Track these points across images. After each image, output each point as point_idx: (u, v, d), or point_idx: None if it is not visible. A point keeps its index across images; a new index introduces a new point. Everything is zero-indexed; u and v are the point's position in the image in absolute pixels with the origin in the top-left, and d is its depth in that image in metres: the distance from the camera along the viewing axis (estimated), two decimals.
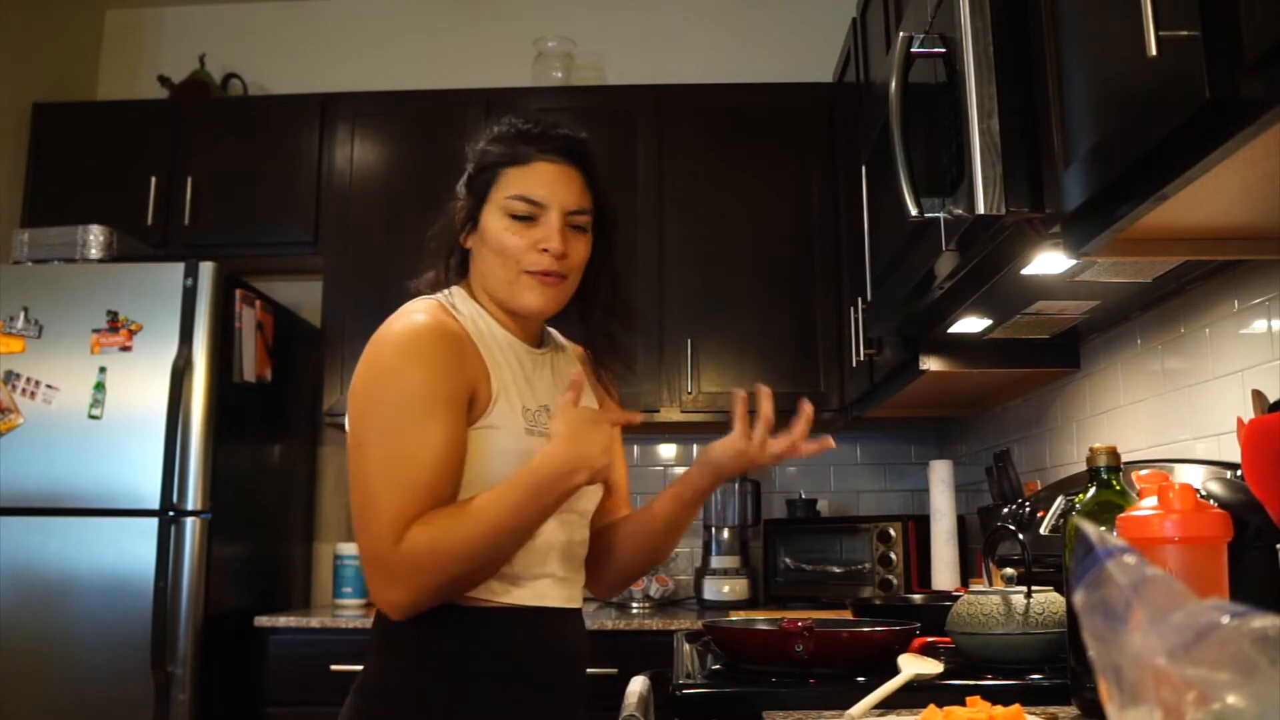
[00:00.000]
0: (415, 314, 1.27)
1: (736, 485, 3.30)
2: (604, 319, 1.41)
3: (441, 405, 1.21)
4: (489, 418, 1.25)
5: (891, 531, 3.03)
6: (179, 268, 2.74)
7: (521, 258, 1.29)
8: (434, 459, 1.19)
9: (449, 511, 1.18)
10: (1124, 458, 1.18)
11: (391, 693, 1.24)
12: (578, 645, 1.34)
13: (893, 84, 1.61)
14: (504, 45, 3.66)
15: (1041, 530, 1.94)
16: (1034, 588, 1.38)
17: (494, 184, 1.31)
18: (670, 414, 3.15)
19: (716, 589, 3.13)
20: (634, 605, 3.10)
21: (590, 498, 1.36)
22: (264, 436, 3.11)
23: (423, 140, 3.28)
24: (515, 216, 1.29)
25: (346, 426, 1.28)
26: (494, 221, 1.30)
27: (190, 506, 2.63)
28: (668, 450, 3.54)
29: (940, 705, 1.01)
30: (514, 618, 1.25)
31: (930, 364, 2.21)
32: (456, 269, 1.37)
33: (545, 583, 1.29)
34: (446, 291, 1.35)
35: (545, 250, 1.28)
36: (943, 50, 1.47)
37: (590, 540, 1.40)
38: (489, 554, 1.18)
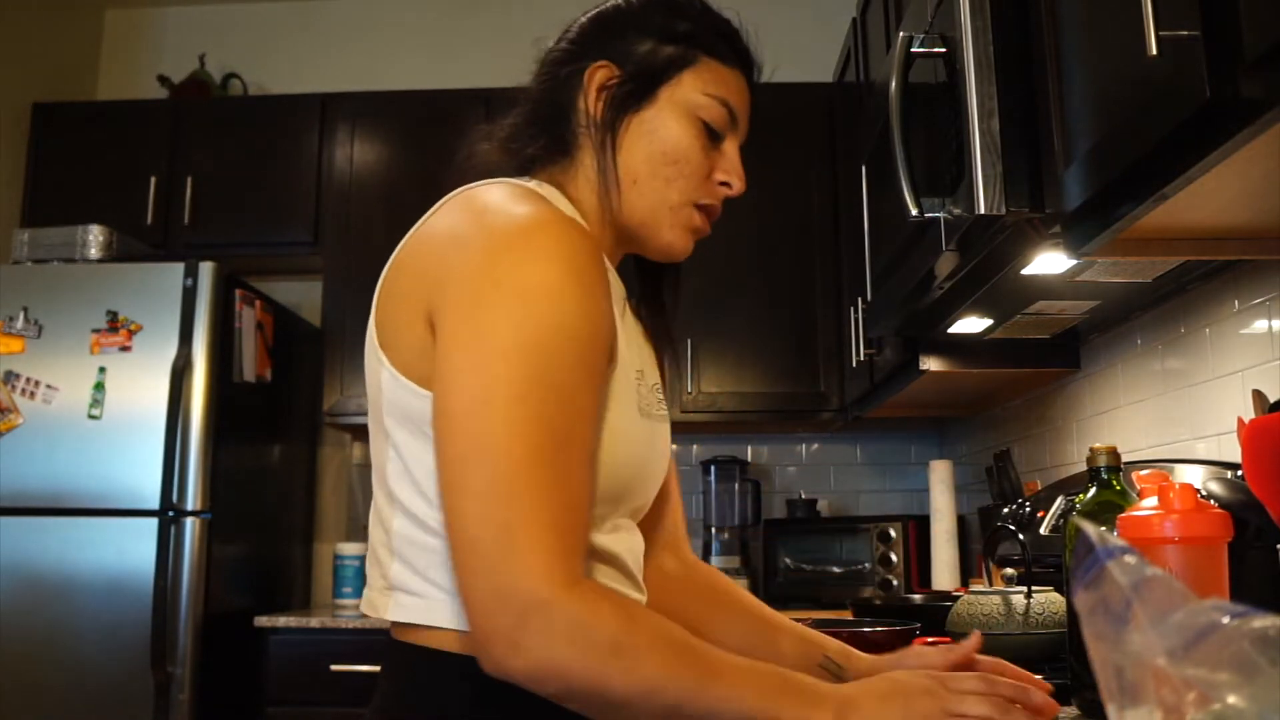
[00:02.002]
0: (532, 201, 0.87)
1: (737, 485, 3.30)
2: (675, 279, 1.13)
3: (597, 355, 0.84)
4: (612, 384, 0.89)
5: (891, 531, 3.03)
6: (179, 268, 2.74)
7: (700, 183, 0.98)
8: (597, 440, 0.84)
9: (674, 629, 0.80)
10: (1124, 458, 1.18)
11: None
12: None
13: (893, 84, 1.61)
14: (504, 45, 3.65)
15: (1041, 530, 1.94)
16: (1034, 588, 1.38)
17: (689, 66, 0.97)
18: (670, 414, 3.14)
19: None
20: None
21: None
22: (264, 436, 3.11)
23: (423, 140, 3.28)
24: (708, 127, 0.98)
25: (387, 365, 0.88)
26: (677, 119, 0.96)
27: (190, 506, 2.63)
28: None
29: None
30: None
31: (930, 364, 2.21)
32: (541, 153, 1.00)
33: None
34: (528, 181, 0.96)
35: (725, 185, 1.00)
36: (943, 50, 1.47)
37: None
38: (664, 713, 0.77)
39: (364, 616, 2.77)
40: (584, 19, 1.05)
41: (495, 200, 0.88)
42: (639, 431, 0.93)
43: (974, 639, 1.04)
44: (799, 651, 1.09)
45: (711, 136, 0.98)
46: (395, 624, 0.90)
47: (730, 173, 0.99)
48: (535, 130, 1.00)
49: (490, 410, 0.77)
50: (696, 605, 1.11)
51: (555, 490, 0.77)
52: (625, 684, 0.75)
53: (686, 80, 0.97)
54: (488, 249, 0.83)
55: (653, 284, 1.10)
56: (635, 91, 0.96)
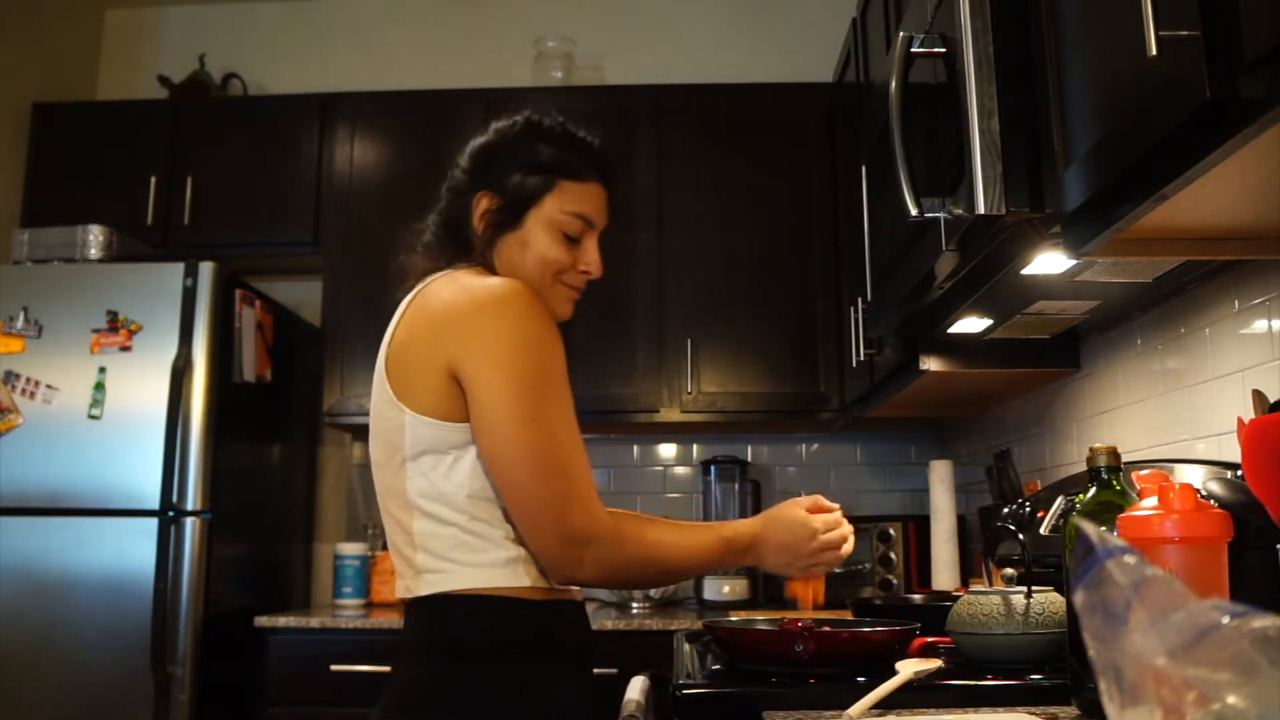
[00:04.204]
0: (509, 280, 1.24)
1: (737, 485, 3.31)
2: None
3: (568, 379, 1.24)
4: None
5: (891, 531, 3.03)
6: (179, 268, 2.74)
7: (564, 273, 1.31)
8: (580, 437, 1.23)
9: (653, 519, 1.28)
10: (1124, 458, 1.18)
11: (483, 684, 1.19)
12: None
13: (893, 84, 1.61)
14: (504, 45, 3.66)
15: (1041, 530, 1.94)
16: (1034, 588, 1.38)
17: (549, 192, 1.29)
18: (670, 414, 3.15)
19: (717, 589, 3.13)
20: (634, 605, 3.09)
21: None
22: (264, 436, 3.11)
23: (423, 140, 3.28)
24: (567, 234, 1.30)
25: (412, 415, 1.20)
26: (542, 233, 1.29)
27: (190, 506, 2.63)
28: (668, 450, 3.54)
29: (939, 706, 1.01)
30: (577, 608, 1.30)
31: (930, 364, 2.21)
32: (456, 255, 1.33)
33: None
34: (478, 269, 1.31)
35: (585, 273, 1.32)
36: (943, 50, 1.47)
37: None
38: (671, 570, 1.25)
39: (364, 616, 2.78)
40: (473, 147, 1.35)
41: (475, 281, 1.23)
42: None
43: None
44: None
45: (571, 240, 1.30)
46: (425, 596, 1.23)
47: (589, 264, 1.32)
48: (448, 243, 1.33)
49: (534, 424, 1.16)
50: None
51: (577, 464, 1.18)
52: (648, 568, 1.23)
53: (548, 203, 1.29)
54: (495, 315, 1.19)
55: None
56: (509, 218, 1.29)
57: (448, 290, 1.23)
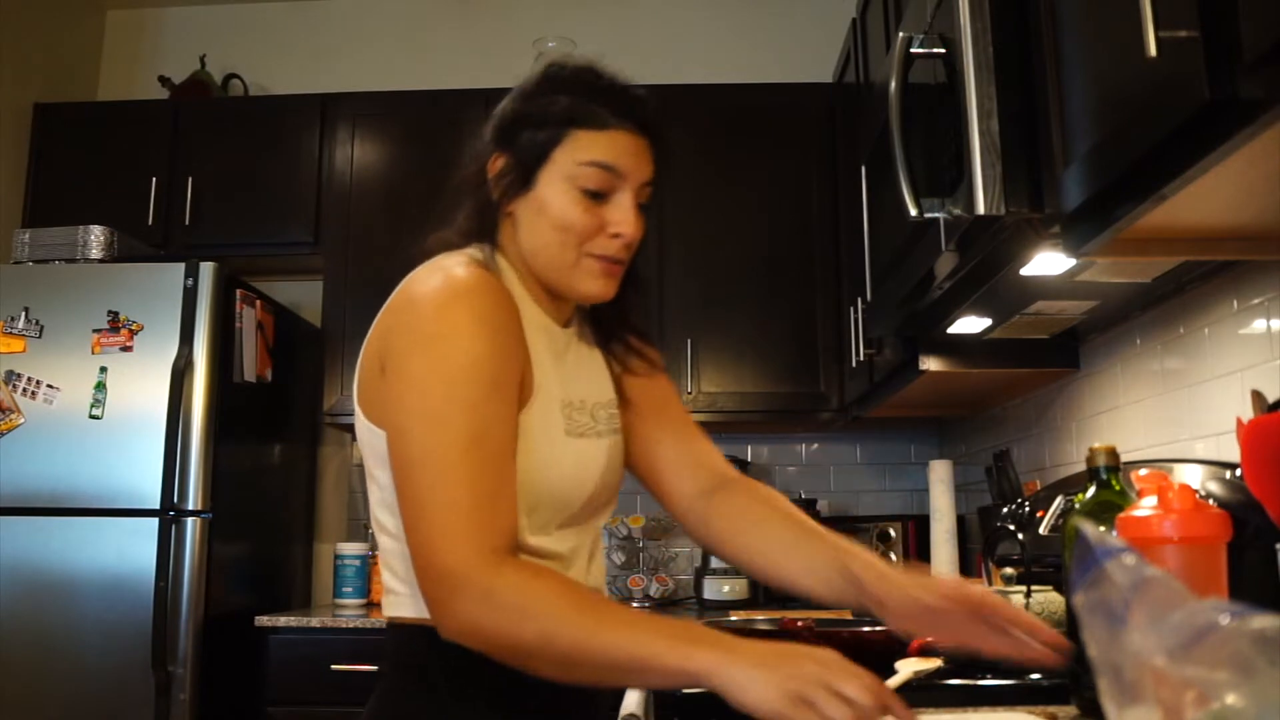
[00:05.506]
0: (454, 268, 1.05)
1: None
2: (633, 296, 1.22)
3: (506, 379, 1.02)
4: (529, 414, 1.06)
5: (891, 531, 3.03)
6: (179, 268, 2.74)
7: (589, 239, 1.09)
8: (511, 443, 1.00)
9: (577, 588, 0.96)
10: (1123, 458, 1.18)
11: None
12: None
13: (892, 84, 1.61)
14: (504, 45, 3.66)
15: (1041, 530, 1.94)
16: (1034, 588, 1.38)
17: (559, 144, 1.09)
18: None
19: (717, 589, 3.13)
20: (634, 605, 3.10)
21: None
22: (264, 436, 3.11)
23: (423, 140, 3.28)
24: (587, 190, 1.09)
25: (360, 417, 1.10)
26: (558, 191, 1.08)
27: (190, 506, 2.64)
28: None
29: (939, 706, 1.01)
30: None
31: (930, 364, 2.21)
32: (478, 231, 1.15)
33: None
34: (476, 249, 1.13)
35: (618, 236, 1.10)
36: (942, 50, 1.47)
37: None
38: (585, 664, 0.91)
39: (365, 616, 2.78)
40: (495, 111, 1.16)
41: (424, 271, 1.07)
42: (565, 452, 1.09)
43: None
44: (828, 556, 1.13)
45: (595, 197, 1.09)
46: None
47: (620, 223, 1.09)
48: (470, 214, 1.15)
49: (412, 434, 0.98)
50: (739, 515, 1.21)
51: (468, 484, 0.96)
52: (529, 636, 0.91)
53: (559, 157, 1.09)
54: (415, 308, 1.03)
55: (616, 307, 1.21)
56: (519, 178, 1.10)
57: (405, 281, 1.09)
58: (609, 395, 1.22)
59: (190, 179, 3.27)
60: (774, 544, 1.18)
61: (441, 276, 1.04)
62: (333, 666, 2.65)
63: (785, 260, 3.22)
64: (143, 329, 2.70)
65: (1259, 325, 1.54)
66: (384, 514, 1.08)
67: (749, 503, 1.22)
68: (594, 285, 1.11)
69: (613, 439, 1.19)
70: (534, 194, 1.10)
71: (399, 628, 1.08)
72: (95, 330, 2.70)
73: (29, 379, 2.69)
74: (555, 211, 1.09)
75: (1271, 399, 1.18)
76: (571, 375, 1.16)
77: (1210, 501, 1.16)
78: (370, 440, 1.09)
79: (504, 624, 0.91)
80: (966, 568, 2.89)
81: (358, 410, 1.11)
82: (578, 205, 1.08)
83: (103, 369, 2.68)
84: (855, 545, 1.14)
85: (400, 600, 1.07)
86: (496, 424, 0.99)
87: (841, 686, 0.82)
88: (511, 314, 1.05)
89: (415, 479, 0.97)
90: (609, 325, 1.24)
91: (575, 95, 1.10)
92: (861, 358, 2.61)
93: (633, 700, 1.50)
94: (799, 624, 1.35)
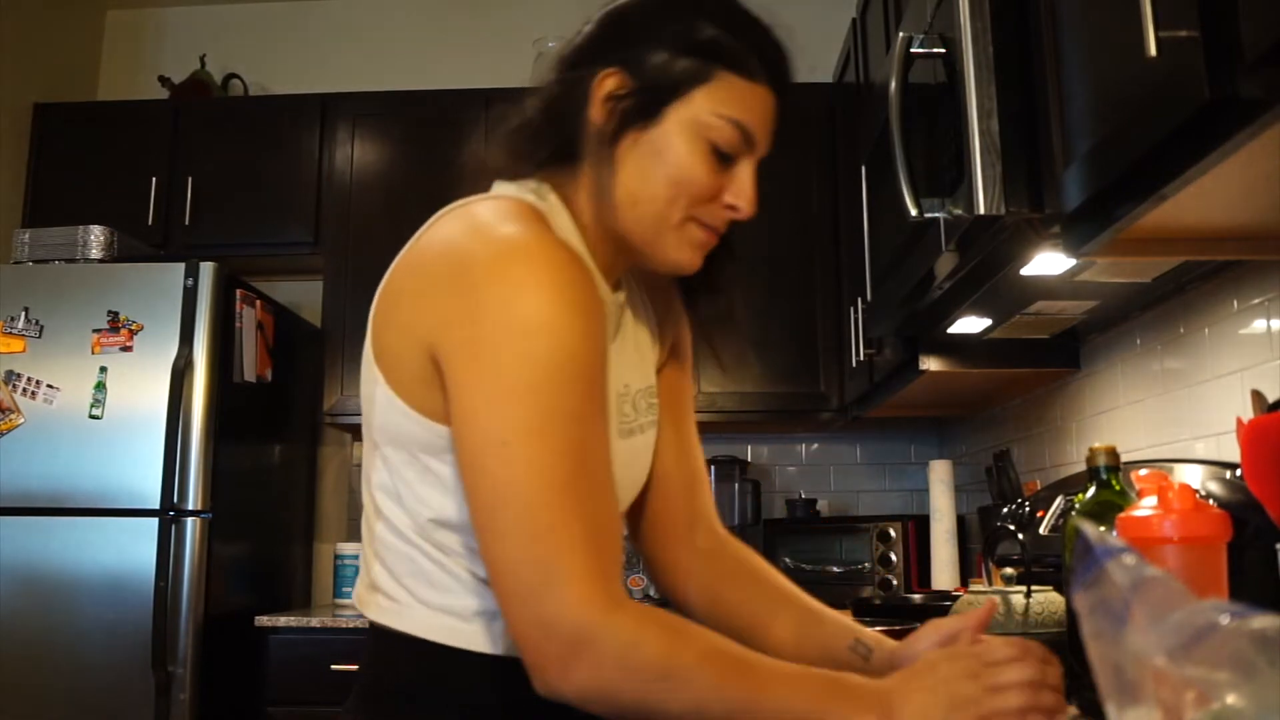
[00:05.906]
0: (517, 226, 0.85)
1: (736, 485, 3.30)
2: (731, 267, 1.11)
3: (600, 376, 0.84)
4: None
5: (891, 531, 3.03)
6: (179, 268, 2.74)
7: (703, 205, 0.94)
8: (609, 456, 0.85)
9: (715, 643, 0.82)
10: (1123, 458, 1.18)
11: None
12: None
13: (893, 84, 1.61)
14: (504, 45, 3.66)
15: (1041, 530, 1.94)
16: (1034, 588, 1.38)
17: (703, 83, 0.91)
18: None
19: None
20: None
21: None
22: (264, 436, 3.11)
23: (423, 140, 3.28)
24: (716, 147, 0.92)
25: (393, 399, 0.89)
26: (684, 139, 0.91)
27: (190, 506, 2.64)
28: None
29: None
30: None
31: (930, 364, 2.21)
32: (549, 160, 0.95)
33: None
34: (533, 186, 0.95)
35: (733, 209, 0.96)
36: (943, 50, 1.47)
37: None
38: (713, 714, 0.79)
39: (364, 616, 2.77)
40: (603, 13, 0.96)
41: (484, 222, 0.87)
42: (617, 457, 0.91)
43: (988, 606, 1.03)
44: (827, 633, 1.06)
45: (722, 159, 0.93)
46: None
47: (739, 196, 0.94)
48: (542, 133, 0.95)
49: (508, 451, 0.79)
50: (728, 583, 1.10)
51: (582, 518, 0.79)
52: (675, 703, 0.78)
53: (698, 99, 0.91)
54: (484, 283, 0.82)
55: (703, 275, 1.05)
56: (642, 107, 0.91)
57: (451, 229, 0.89)
58: (650, 380, 1.07)
59: (190, 179, 3.27)
60: (768, 614, 1.08)
61: (512, 235, 0.85)
62: (333, 666, 2.65)
63: (785, 260, 3.21)
64: (143, 329, 2.70)
65: (1259, 325, 1.54)
66: (387, 500, 0.92)
67: (745, 571, 1.11)
68: (686, 255, 0.96)
69: (651, 432, 1.06)
70: (655, 132, 0.91)
71: (385, 635, 0.94)
72: (95, 330, 2.70)
73: (29, 379, 2.69)
74: (677, 160, 0.91)
75: (1271, 399, 1.18)
76: (620, 358, 0.98)
77: (1210, 501, 1.16)
78: (396, 420, 0.89)
79: (643, 690, 0.78)
80: (966, 568, 2.89)
81: (378, 374, 0.91)
82: (706, 162, 0.92)
83: (103, 369, 2.68)
84: (854, 622, 1.08)
85: (394, 609, 0.93)
86: (597, 437, 0.83)
87: (996, 679, 0.80)
88: (594, 294, 0.86)
89: (515, 512, 0.79)
90: (702, 304, 1.12)
91: (724, 28, 0.93)
92: (861, 358, 2.61)
93: None
94: None
